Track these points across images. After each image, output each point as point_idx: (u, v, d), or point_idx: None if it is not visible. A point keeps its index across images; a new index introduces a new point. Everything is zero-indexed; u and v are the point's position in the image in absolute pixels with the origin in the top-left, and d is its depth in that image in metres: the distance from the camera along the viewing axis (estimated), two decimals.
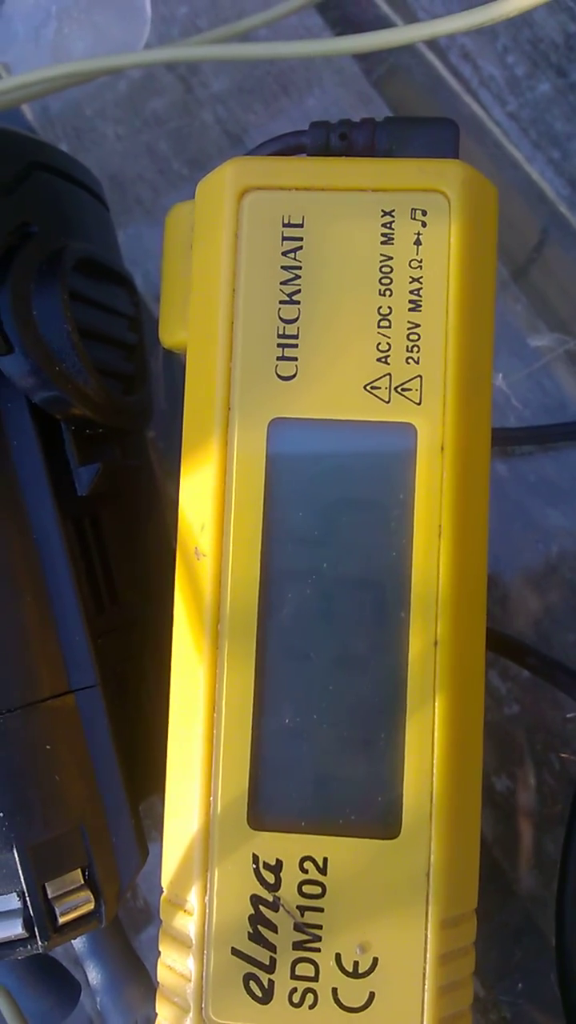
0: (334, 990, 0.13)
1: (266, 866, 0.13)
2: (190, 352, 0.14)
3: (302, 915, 0.13)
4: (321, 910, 0.13)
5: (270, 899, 0.13)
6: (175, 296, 0.14)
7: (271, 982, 0.13)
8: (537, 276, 0.21)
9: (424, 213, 0.13)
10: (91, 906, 0.14)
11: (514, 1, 0.16)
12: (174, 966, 0.13)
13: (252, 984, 0.13)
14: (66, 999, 0.15)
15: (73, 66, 0.17)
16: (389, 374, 0.13)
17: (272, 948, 0.13)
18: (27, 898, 0.13)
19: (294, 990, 0.13)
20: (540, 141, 0.22)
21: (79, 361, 0.14)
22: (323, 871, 0.13)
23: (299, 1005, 0.13)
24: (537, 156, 0.22)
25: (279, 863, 0.13)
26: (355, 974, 0.13)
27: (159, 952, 0.14)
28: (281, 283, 0.13)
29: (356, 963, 0.13)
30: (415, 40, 0.17)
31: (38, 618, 0.14)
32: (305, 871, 0.13)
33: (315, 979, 0.13)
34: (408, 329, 0.13)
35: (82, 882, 0.14)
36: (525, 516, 0.21)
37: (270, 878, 0.13)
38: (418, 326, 0.13)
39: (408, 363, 0.13)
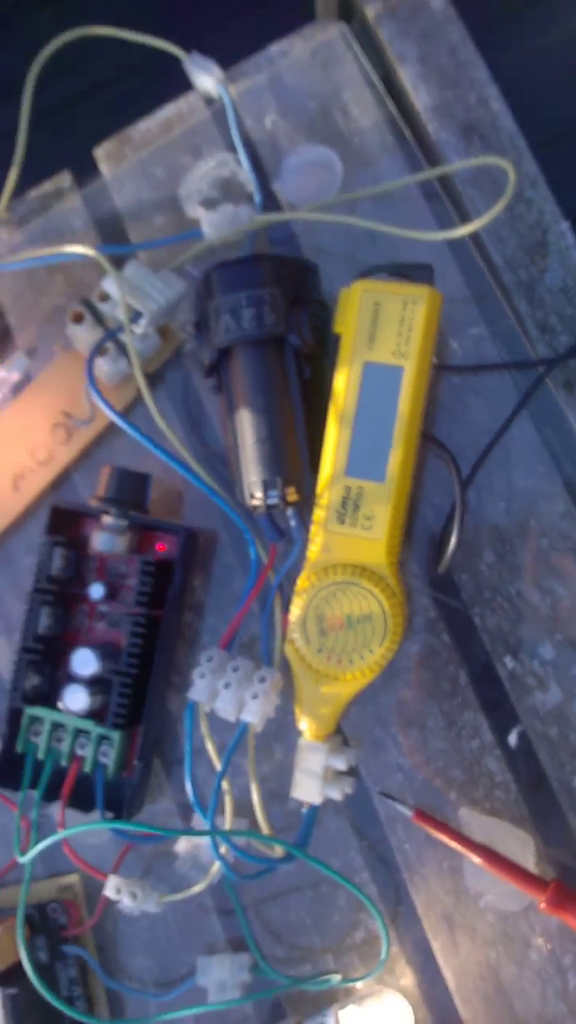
0: (362, 524, 0.47)
1: (347, 487, 0.47)
2: (343, 338, 0.46)
3: (355, 502, 0.47)
4: (361, 501, 0.47)
5: (348, 496, 0.47)
6: (338, 318, 0.47)
7: (344, 519, 0.47)
8: None
9: (415, 302, 0.45)
10: (296, 498, 0.48)
11: None
12: (317, 515, 0.47)
13: (339, 518, 0.47)
14: (280, 532, 0.50)
15: (317, 214, 0.49)
16: (399, 350, 0.46)
17: (346, 509, 0.47)
18: (282, 492, 0.47)
19: (352, 521, 0.47)
20: None
21: (310, 334, 0.47)
22: (362, 491, 0.47)
23: (351, 525, 0.47)
24: None
25: (350, 487, 0.47)
26: (367, 519, 0.47)
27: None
28: (371, 320, 0.46)
29: (368, 516, 0.47)
30: None
31: (292, 414, 0.47)
32: (358, 489, 0.47)
33: (356, 519, 0.47)
34: (407, 337, 0.46)
35: (296, 491, 0.48)
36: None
37: (348, 491, 0.47)
38: (409, 336, 0.46)
39: (406, 346, 0.46)
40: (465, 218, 0.53)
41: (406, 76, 0.54)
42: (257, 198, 0.54)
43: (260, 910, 0.51)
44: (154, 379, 0.54)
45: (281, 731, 0.51)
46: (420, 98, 0.54)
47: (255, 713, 0.48)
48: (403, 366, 0.46)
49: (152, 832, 0.48)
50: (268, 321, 0.46)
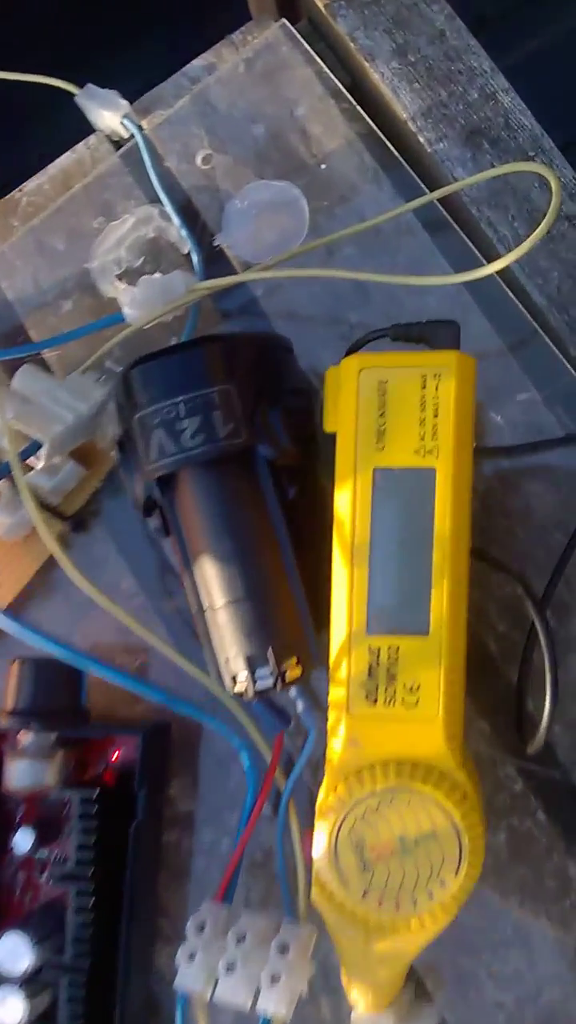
0: (403, 699, 0.34)
1: (372, 650, 0.34)
2: (339, 438, 0.34)
3: (388, 670, 0.34)
4: (396, 668, 0.34)
5: (376, 663, 0.34)
6: (328, 410, 0.35)
7: (376, 697, 0.34)
8: None
9: (438, 375, 0.34)
10: (299, 672, 0.35)
11: None
12: (335, 695, 0.35)
13: (368, 696, 0.34)
14: (285, 719, 0.37)
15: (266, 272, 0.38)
16: (424, 446, 0.34)
17: (376, 682, 0.34)
18: (276, 670, 0.35)
19: (387, 699, 0.34)
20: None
21: (288, 439, 0.35)
22: (397, 653, 0.34)
23: (387, 704, 0.34)
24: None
25: (378, 649, 0.34)
26: (410, 690, 0.34)
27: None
28: (377, 409, 0.34)
29: (411, 687, 0.34)
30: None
31: (278, 556, 0.35)
32: (390, 651, 0.34)
33: (394, 694, 0.34)
34: (433, 425, 0.34)
35: (296, 663, 0.35)
36: None
37: (375, 655, 0.34)
38: (436, 423, 0.34)
39: (433, 439, 0.34)
40: (488, 251, 0.42)
41: (379, 77, 0.44)
42: (195, 259, 0.43)
43: None
44: (81, 520, 0.42)
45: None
46: (402, 102, 0.44)
47: (278, 1002, 0.34)
48: (433, 466, 0.34)
49: None
50: (222, 431, 0.34)
